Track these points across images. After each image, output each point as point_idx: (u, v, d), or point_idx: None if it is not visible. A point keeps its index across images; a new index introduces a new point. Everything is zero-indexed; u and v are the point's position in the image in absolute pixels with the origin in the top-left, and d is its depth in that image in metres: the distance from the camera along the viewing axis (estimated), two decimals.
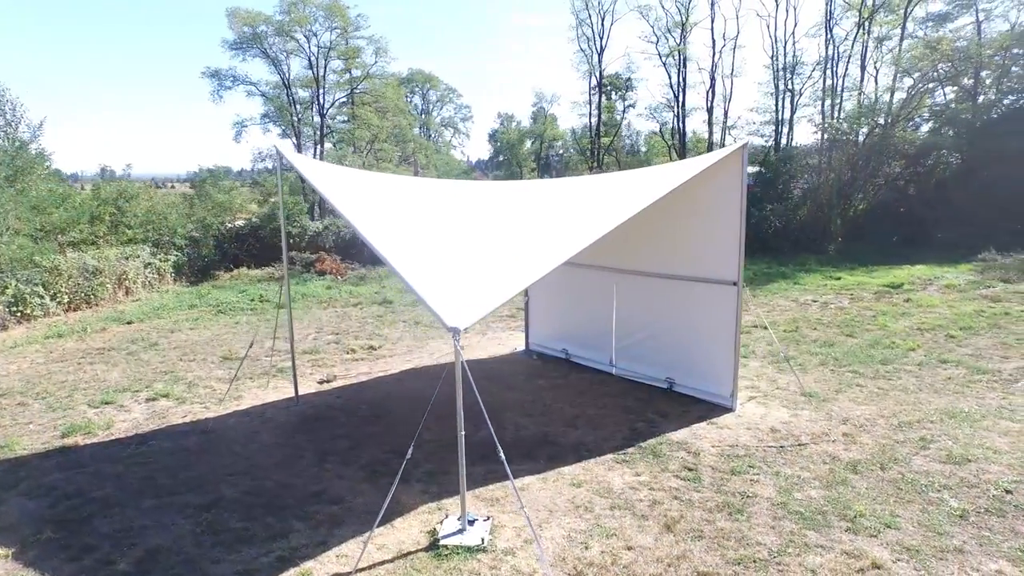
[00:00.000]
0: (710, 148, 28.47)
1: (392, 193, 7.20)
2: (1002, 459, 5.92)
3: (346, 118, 28.58)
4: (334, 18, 26.09)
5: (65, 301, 14.71)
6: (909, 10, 24.36)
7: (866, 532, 4.78)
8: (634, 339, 8.54)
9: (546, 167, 40.20)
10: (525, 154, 42.58)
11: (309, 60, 26.07)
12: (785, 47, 26.67)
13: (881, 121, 24.21)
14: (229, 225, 23.32)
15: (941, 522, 4.89)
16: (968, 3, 28.20)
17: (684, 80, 28.57)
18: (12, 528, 5.20)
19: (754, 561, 4.47)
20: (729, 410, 7.33)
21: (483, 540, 4.75)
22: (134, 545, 4.89)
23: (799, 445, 6.39)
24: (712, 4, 26.74)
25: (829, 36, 25.39)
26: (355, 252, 24.43)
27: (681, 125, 29.24)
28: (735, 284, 7.15)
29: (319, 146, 26.70)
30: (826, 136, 24.79)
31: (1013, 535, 4.72)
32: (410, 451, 4.85)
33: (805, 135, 28.50)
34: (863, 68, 26.01)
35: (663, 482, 5.72)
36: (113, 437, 7.17)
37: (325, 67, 26.42)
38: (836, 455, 6.11)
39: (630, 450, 6.42)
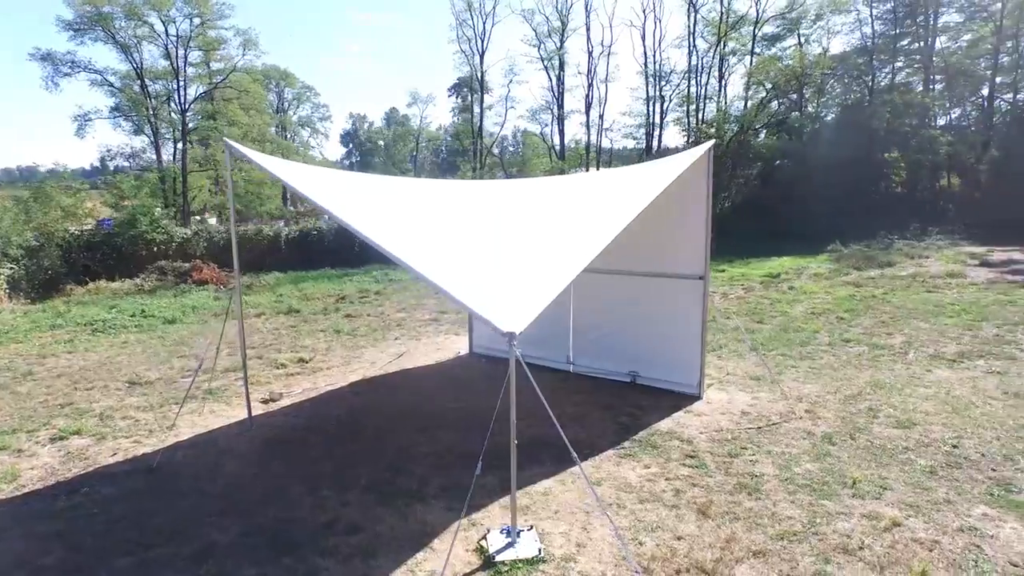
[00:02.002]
0: (587, 149, 29.91)
1: (374, 192, 6.70)
2: (935, 420, 6.87)
3: (209, 115, 26.04)
4: (194, 4, 23.66)
5: None
6: (757, 30, 27.40)
7: (870, 496, 5.31)
8: (594, 336, 8.72)
9: (423, 167, 39.75)
10: (401, 154, 41.76)
11: (166, 49, 23.40)
12: (655, 56, 28.80)
13: (736, 127, 27.00)
14: (76, 232, 20.32)
15: (920, 479, 5.57)
16: (792, 27, 32.41)
17: (562, 83, 29.76)
18: None
19: (794, 534, 4.78)
20: (697, 398, 7.75)
21: (539, 550, 4.61)
22: None
23: (773, 424, 6.93)
24: (587, 12, 28.14)
25: (692, 47, 27.83)
26: (229, 259, 22.46)
27: (560, 127, 30.42)
28: (702, 278, 7.58)
29: (180, 144, 24.08)
30: (691, 139, 27.13)
31: (975, 482, 5.49)
32: (479, 468, 4.62)
33: (673, 138, 31.01)
34: (720, 79, 28.84)
35: (674, 471, 5.92)
36: (28, 489, 5.93)
37: (185, 58, 23.89)
38: (809, 430, 6.71)
39: (626, 444, 6.56)
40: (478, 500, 5.45)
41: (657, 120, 28.83)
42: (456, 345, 10.71)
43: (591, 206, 6.48)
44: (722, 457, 6.16)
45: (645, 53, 28.47)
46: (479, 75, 30.54)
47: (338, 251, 23.50)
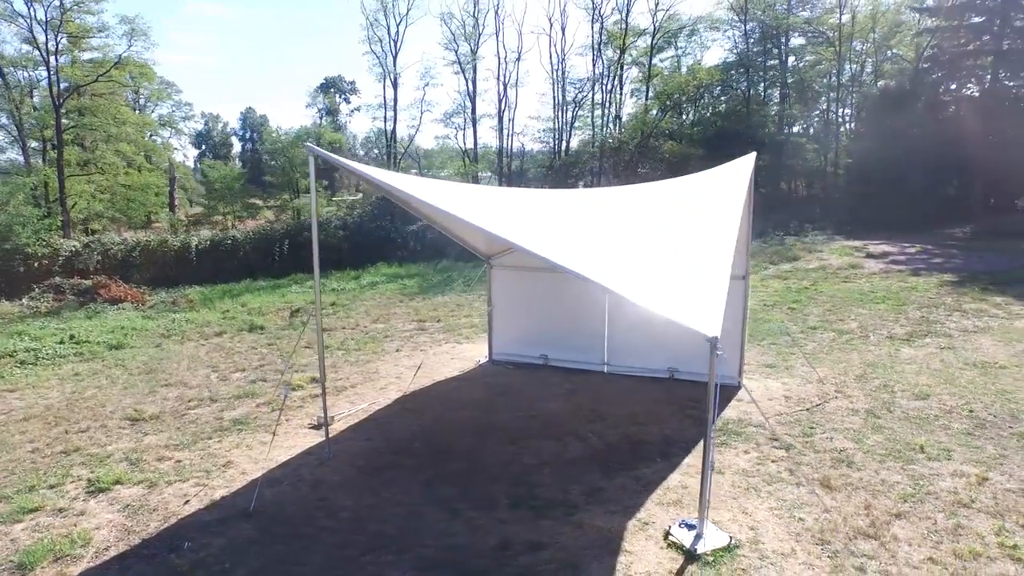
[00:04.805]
0: (500, 153, 30.39)
1: (494, 203, 6.56)
2: (940, 390, 8.12)
3: (78, 111, 22.85)
4: None
5: None
6: (655, 42, 29.54)
7: (943, 458, 6.24)
8: (630, 336, 9.14)
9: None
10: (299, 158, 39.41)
11: (31, 33, 20.22)
12: (562, 63, 29.98)
13: (638, 133, 28.90)
14: None
15: (968, 440, 6.63)
16: (670, 39, 35.28)
17: (475, 86, 29.93)
18: None
19: (912, 496, 5.53)
20: (737, 388, 8.45)
21: (731, 539, 4.93)
22: None
23: (817, 406, 7.78)
24: (498, 18, 28.65)
25: (597, 55, 29.35)
26: (130, 273, 20.11)
27: (474, 130, 30.60)
28: (743, 278, 8.30)
29: (51, 144, 20.89)
30: (598, 143, 28.62)
31: (1007, 438, 6.65)
32: (712, 465, 4.80)
33: (580, 141, 32.37)
34: (622, 86, 30.67)
35: (771, 454, 6.49)
36: (114, 552, 5.15)
37: (56, 45, 20.77)
38: (851, 408, 7.64)
39: (712, 435, 7.02)
40: (629, 501, 5.65)
41: (564, 125, 30.08)
42: (470, 353, 10.61)
43: (689, 214, 6.88)
44: (800, 438, 6.86)
45: (551, 60, 29.64)
46: (393, 77, 29.85)
47: (254, 261, 21.90)
